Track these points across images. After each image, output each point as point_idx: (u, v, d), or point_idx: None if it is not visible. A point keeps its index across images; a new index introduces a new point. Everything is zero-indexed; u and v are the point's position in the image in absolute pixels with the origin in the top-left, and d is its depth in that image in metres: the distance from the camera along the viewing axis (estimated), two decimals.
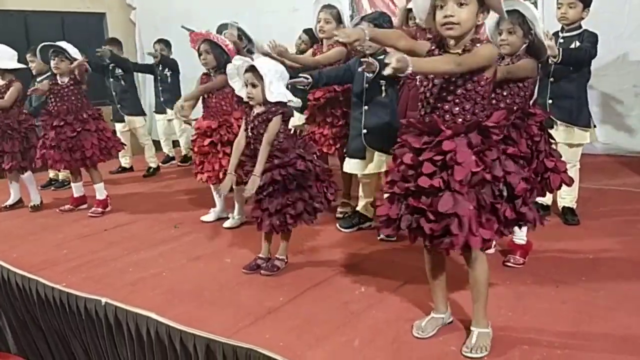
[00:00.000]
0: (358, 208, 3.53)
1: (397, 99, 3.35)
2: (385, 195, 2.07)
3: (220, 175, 3.49)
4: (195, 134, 3.66)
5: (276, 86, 2.66)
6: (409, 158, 1.95)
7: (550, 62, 2.95)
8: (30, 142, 4.35)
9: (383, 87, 3.13)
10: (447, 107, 1.93)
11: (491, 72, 1.94)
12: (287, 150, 2.70)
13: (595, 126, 3.41)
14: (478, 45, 1.90)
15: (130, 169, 5.98)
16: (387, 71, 1.72)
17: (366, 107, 3.18)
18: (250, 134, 2.77)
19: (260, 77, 2.64)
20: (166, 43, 6.02)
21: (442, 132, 1.90)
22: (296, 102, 2.78)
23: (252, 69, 2.66)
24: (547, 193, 2.74)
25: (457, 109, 1.92)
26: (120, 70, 5.59)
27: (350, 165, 3.34)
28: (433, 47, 1.98)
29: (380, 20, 3.10)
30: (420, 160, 1.91)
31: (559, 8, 3.26)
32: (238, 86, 2.79)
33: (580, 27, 3.26)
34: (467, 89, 1.90)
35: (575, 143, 3.33)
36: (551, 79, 3.29)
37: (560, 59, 2.97)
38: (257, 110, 2.74)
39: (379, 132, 3.14)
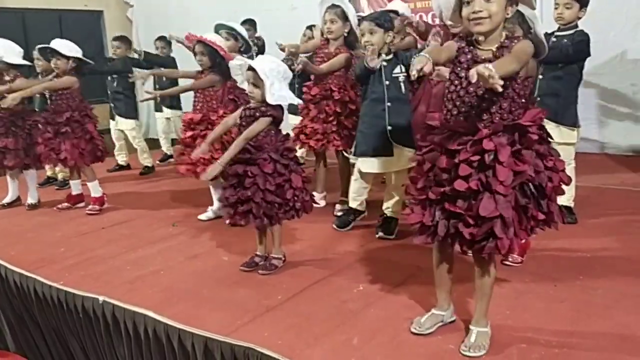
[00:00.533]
0: (352, 205, 3.50)
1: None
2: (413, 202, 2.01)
3: (198, 170, 3.50)
4: (183, 126, 3.75)
5: (277, 87, 2.65)
6: (443, 161, 1.88)
7: None
8: (33, 139, 4.32)
9: (402, 84, 3.16)
10: (484, 105, 1.87)
11: (525, 70, 1.89)
12: (262, 149, 2.68)
13: (579, 126, 3.39)
14: (515, 41, 1.85)
15: (127, 166, 5.96)
16: (497, 84, 1.60)
17: (389, 104, 3.16)
18: (239, 121, 2.80)
19: (261, 79, 2.64)
20: (167, 41, 6.00)
21: (479, 132, 1.84)
22: (298, 102, 2.79)
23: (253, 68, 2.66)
24: None
25: (494, 107, 1.86)
26: None
27: (371, 164, 3.26)
28: (463, 45, 1.93)
29: (381, 19, 3.10)
30: (456, 162, 1.85)
31: (555, 9, 3.25)
32: (240, 79, 2.81)
33: (576, 26, 3.25)
34: (505, 86, 1.81)
35: (562, 142, 3.32)
36: (540, 77, 3.29)
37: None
38: (252, 104, 2.75)
39: (404, 127, 3.16)
